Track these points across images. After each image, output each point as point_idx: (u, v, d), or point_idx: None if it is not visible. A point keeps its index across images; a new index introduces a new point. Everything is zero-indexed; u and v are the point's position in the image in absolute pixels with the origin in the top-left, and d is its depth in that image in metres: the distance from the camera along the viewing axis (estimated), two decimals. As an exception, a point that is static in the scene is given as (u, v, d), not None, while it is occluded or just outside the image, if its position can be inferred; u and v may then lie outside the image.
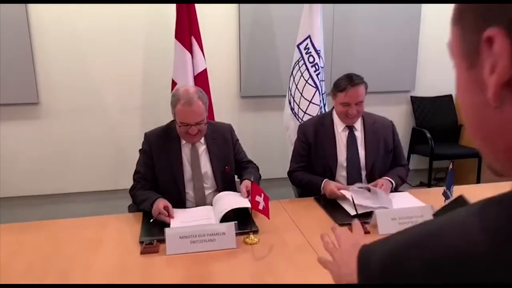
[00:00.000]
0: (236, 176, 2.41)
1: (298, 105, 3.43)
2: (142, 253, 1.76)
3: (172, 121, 2.27)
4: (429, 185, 4.27)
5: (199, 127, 2.12)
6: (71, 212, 3.59)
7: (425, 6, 4.22)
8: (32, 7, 3.49)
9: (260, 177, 2.42)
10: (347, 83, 2.27)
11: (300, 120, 3.40)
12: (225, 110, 3.92)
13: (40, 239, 1.92)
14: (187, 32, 3.21)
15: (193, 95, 2.09)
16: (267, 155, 3.81)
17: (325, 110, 3.47)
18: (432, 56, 4.34)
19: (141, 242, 1.83)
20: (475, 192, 2.10)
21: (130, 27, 3.66)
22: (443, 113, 4.47)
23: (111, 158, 3.90)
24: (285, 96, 3.66)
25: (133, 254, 1.76)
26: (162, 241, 1.81)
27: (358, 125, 2.43)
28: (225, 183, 2.26)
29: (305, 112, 3.39)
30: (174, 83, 3.31)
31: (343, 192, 2.20)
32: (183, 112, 2.09)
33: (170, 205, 2.04)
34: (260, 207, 1.83)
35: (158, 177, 2.23)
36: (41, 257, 1.75)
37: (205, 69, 3.33)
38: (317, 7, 3.33)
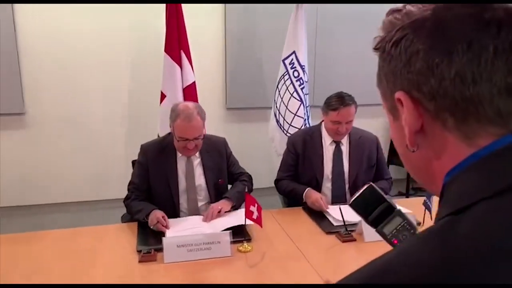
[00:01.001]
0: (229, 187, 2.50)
1: (284, 118, 3.55)
2: (140, 261, 1.83)
3: (169, 134, 2.35)
4: (407, 195, 4.45)
5: (197, 142, 2.21)
6: (57, 222, 3.60)
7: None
8: (19, 17, 3.52)
9: (252, 186, 2.51)
10: (339, 103, 2.39)
11: (285, 132, 3.52)
12: (211, 121, 3.97)
13: (35, 250, 1.95)
14: (176, 45, 3.29)
15: (192, 110, 2.17)
16: (252, 166, 3.87)
17: (309, 122, 3.60)
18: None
19: (139, 251, 1.90)
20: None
21: (118, 39, 3.72)
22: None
23: (97, 168, 3.92)
24: (270, 108, 3.78)
25: (131, 263, 1.83)
26: (160, 250, 1.88)
27: (344, 139, 2.57)
28: (218, 195, 2.35)
29: (290, 124, 3.52)
30: (163, 96, 3.39)
31: (327, 207, 2.33)
32: (183, 127, 2.16)
33: (166, 216, 2.12)
34: (254, 216, 1.93)
35: (153, 188, 2.30)
36: (38, 269, 1.79)
37: (194, 82, 3.42)
38: (302, 23, 3.47)
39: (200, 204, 2.35)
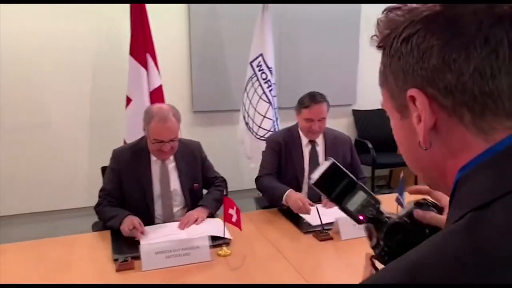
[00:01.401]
0: (204, 192, 2.46)
1: (253, 120, 3.56)
2: (118, 270, 1.77)
3: (142, 138, 2.29)
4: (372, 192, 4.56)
5: (172, 144, 2.17)
6: (16, 235, 3.42)
7: (363, 25, 4.54)
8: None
9: (227, 190, 2.49)
10: (310, 100, 2.43)
11: (254, 134, 3.53)
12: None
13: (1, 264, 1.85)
14: (142, 48, 3.23)
15: (167, 112, 2.13)
16: (220, 169, 3.85)
17: (277, 124, 3.62)
18: (370, 71, 4.67)
19: (115, 260, 1.83)
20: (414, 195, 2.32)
21: (80, 42, 3.60)
22: (382, 124, 4.79)
23: (60, 177, 3.77)
24: (237, 110, 3.78)
25: (108, 272, 1.77)
26: (137, 257, 1.83)
27: (320, 140, 2.60)
28: (193, 200, 2.31)
29: (259, 127, 3.53)
30: (128, 100, 3.31)
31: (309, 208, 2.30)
32: (158, 129, 2.12)
33: (141, 222, 2.06)
34: (233, 219, 1.91)
35: (126, 194, 2.23)
36: (7, 282, 1.69)
37: (160, 86, 3.36)
38: (268, 26, 3.50)
39: (175, 209, 2.30)
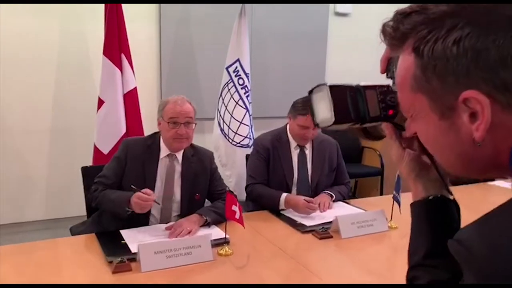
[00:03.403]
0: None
1: (228, 126, 3.49)
2: (114, 272, 1.61)
3: (155, 133, 2.18)
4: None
5: (188, 129, 2.09)
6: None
7: (330, 35, 4.66)
8: None
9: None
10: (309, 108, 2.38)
11: (230, 140, 3.45)
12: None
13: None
14: (116, 47, 3.08)
15: (183, 99, 2.14)
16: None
17: (252, 132, 3.57)
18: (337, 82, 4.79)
19: (110, 262, 1.67)
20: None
21: (45, 43, 3.38)
22: (347, 137, 4.90)
23: (15, 187, 3.46)
24: (209, 119, 3.69)
25: (104, 274, 1.60)
26: (132, 259, 1.69)
27: (308, 143, 2.57)
28: (190, 210, 2.13)
29: (235, 133, 3.46)
30: (100, 102, 3.12)
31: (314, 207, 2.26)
32: (174, 108, 2.09)
33: (150, 191, 1.92)
34: (237, 216, 1.82)
35: (126, 188, 2.07)
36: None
37: (135, 88, 3.21)
38: (245, 32, 3.48)
39: (172, 215, 2.16)
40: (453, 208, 0.75)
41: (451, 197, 0.76)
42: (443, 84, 0.53)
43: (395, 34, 0.59)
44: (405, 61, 0.58)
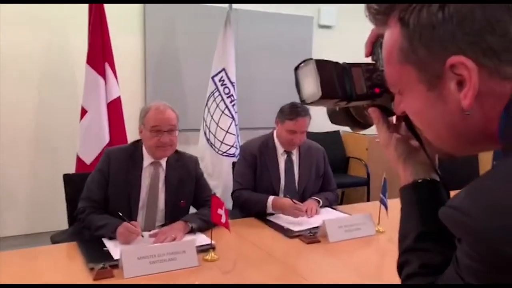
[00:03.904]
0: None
1: (214, 135, 3.46)
2: (95, 279, 1.55)
3: (137, 141, 2.14)
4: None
5: (171, 136, 2.03)
6: None
7: (315, 47, 4.70)
8: None
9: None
10: (297, 112, 2.38)
11: (216, 150, 3.43)
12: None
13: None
14: (100, 56, 3.05)
15: (165, 105, 2.09)
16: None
17: (238, 141, 3.55)
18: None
19: (91, 269, 1.61)
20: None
21: (25, 53, 3.34)
22: (333, 147, 4.92)
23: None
24: (194, 130, 3.67)
25: (85, 281, 1.55)
26: (115, 265, 1.63)
27: (295, 150, 2.55)
28: (175, 218, 2.07)
29: (222, 142, 3.43)
30: (84, 111, 3.07)
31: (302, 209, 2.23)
32: (156, 116, 2.03)
33: (137, 224, 1.91)
34: (222, 220, 1.78)
35: (111, 198, 2.03)
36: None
37: (119, 97, 3.18)
38: (231, 41, 3.49)
39: (156, 224, 2.11)
40: (443, 191, 0.73)
41: (440, 180, 0.74)
42: (430, 52, 0.52)
43: (379, 8, 0.58)
44: (391, 34, 0.57)
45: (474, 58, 0.49)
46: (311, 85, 0.67)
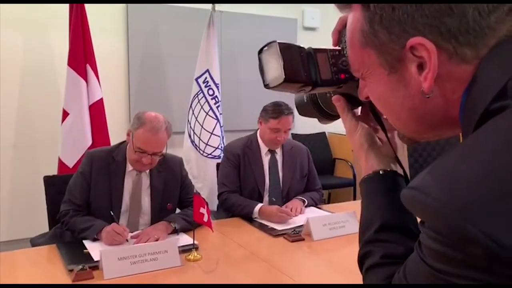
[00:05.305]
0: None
1: (199, 137, 3.44)
2: (74, 281, 1.52)
3: (122, 142, 2.09)
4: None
5: (154, 158, 1.98)
6: None
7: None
8: None
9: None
10: (281, 111, 2.37)
11: (201, 152, 3.40)
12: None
13: None
14: (82, 58, 3.01)
15: (161, 124, 1.96)
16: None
17: (223, 143, 3.52)
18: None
19: (70, 271, 1.58)
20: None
21: (7, 55, 3.28)
22: (320, 148, 4.93)
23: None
24: (179, 133, 3.63)
25: (64, 283, 1.51)
26: (95, 267, 1.60)
27: (278, 149, 2.54)
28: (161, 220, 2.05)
29: (206, 144, 3.41)
30: (65, 113, 3.02)
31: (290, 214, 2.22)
32: (145, 138, 1.93)
33: (125, 227, 1.88)
34: (205, 219, 1.76)
35: (92, 201, 1.99)
36: None
37: (101, 98, 3.13)
38: (214, 42, 3.48)
39: (140, 228, 2.07)
40: (405, 184, 0.72)
41: (402, 173, 0.73)
42: (390, 34, 0.51)
43: None
44: (353, 17, 0.56)
45: (433, 40, 0.48)
46: (274, 68, 0.65)
